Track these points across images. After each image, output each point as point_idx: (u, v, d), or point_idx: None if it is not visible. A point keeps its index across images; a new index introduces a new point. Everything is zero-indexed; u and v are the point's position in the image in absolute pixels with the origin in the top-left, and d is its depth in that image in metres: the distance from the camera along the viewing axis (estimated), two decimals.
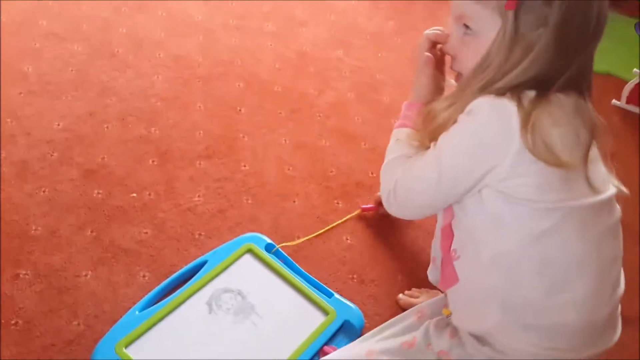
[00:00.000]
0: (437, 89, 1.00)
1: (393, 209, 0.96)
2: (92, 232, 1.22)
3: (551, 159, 0.75)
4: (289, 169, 1.47)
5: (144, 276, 1.16)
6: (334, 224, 1.34)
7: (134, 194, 1.31)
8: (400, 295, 1.22)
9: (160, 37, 1.80)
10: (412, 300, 1.19)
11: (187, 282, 1.13)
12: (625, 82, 1.94)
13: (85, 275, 1.14)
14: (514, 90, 0.78)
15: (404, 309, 1.13)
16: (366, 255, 1.30)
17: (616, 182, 0.85)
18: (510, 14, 0.77)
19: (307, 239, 1.29)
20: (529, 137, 0.75)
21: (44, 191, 1.28)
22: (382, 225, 1.36)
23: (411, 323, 1.00)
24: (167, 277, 1.15)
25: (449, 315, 0.95)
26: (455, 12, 0.84)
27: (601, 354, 0.84)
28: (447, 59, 0.96)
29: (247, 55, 1.80)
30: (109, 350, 1.00)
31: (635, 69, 1.87)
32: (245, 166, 1.44)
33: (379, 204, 1.24)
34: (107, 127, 1.46)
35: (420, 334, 0.94)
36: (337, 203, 1.42)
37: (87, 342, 1.04)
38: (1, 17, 1.74)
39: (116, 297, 1.12)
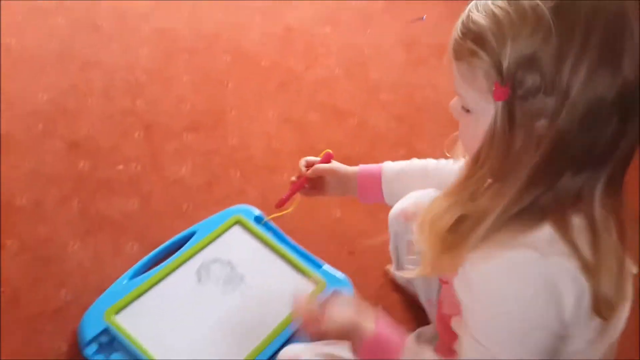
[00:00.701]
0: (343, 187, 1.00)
1: None
2: (78, 203, 1.21)
3: (611, 314, 0.64)
4: (276, 143, 1.46)
5: (131, 247, 1.15)
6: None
7: (120, 166, 1.30)
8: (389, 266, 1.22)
9: (145, 10, 1.78)
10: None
11: (176, 253, 1.13)
12: None
13: (72, 246, 1.13)
14: (555, 217, 0.62)
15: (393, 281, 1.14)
16: (356, 228, 1.30)
17: None
18: (501, 104, 0.60)
19: (295, 208, 1.26)
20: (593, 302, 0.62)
21: (28, 163, 1.26)
22: None
23: None
24: (155, 249, 1.14)
25: None
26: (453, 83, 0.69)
27: None
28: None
29: (234, 30, 1.78)
30: (98, 318, 0.99)
31: None
32: (232, 140, 1.43)
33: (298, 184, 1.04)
34: (92, 100, 1.45)
35: None
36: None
37: (74, 310, 1.04)
38: None
39: (103, 267, 1.11)
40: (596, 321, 0.64)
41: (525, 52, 0.57)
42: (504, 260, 0.62)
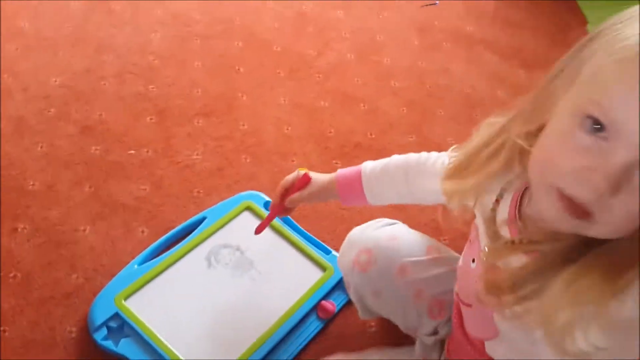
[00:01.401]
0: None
1: None
2: (90, 187, 1.22)
3: None
4: (287, 129, 1.46)
5: (142, 231, 1.16)
6: None
7: (132, 151, 1.30)
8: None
9: None
10: None
11: (186, 238, 1.14)
12: None
13: (84, 230, 1.14)
14: None
15: None
16: (365, 214, 1.30)
17: None
18: None
19: None
20: None
21: (41, 147, 1.27)
22: None
23: None
24: (166, 233, 1.15)
25: None
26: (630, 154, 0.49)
27: None
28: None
29: (247, 15, 1.77)
30: (108, 302, 1.01)
31: None
32: (243, 125, 1.43)
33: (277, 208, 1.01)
34: (105, 84, 1.45)
35: None
36: (336, 163, 1.41)
37: (85, 294, 1.05)
38: None
39: (115, 251, 1.12)
40: None
41: None
42: None
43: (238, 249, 1.14)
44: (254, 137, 1.41)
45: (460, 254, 0.86)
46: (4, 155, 1.24)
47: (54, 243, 1.11)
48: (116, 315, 1.00)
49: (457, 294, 0.84)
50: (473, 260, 0.76)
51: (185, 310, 1.04)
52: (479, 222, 0.74)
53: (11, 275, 1.05)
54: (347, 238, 0.99)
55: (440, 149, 1.50)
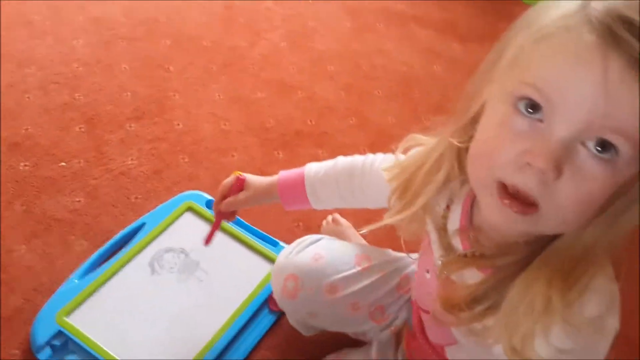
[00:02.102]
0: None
1: None
2: (21, 205, 1.17)
3: None
4: (225, 124, 1.44)
5: (80, 245, 1.12)
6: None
7: (63, 163, 1.26)
8: (324, 224, 1.22)
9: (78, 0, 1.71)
10: (336, 228, 1.19)
11: (126, 246, 1.10)
12: None
13: (19, 250, 1.10)
14: None
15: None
16: None
17: None
18: None
19: None
20: None
21: None
22: None
23: None
24: (105, 244, 1.11)
25: None
26: (600, 116, 0.47)
27: None
28: None
29: (172, 12, 1.73)
30: (49, 321, 0.97)
31: None
32: (178, 125, 1.40)
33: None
34: (29, 97, 1.39)
35: None
36: (278, 154, 1.40)
37: (27, 315, 1.00)
38: None
39: (54, 268, 1.08)
40: None
41: None
42: None
43: (182, 251, 1.12)
44: (190, 136, 1.38)
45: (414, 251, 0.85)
46: None
47: None
48: (59, 333, 0.96)
49: (415, 301, 0.83)
50: (427, 271, 0.75)
51: (131, 320, 1.00)
52: (431, 229, 0.73)
53: None
54: (274, 265, 0.96)
55: (380, 129, 1.52)
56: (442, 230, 0.70)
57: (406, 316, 0.93)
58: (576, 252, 0.54)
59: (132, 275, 1.06)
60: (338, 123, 1.52)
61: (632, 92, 0.45)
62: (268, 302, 1.07)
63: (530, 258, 0.57)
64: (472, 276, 0.63)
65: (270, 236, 1.18)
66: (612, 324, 0.56)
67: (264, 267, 1.12)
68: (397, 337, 0.94)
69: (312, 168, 0.90)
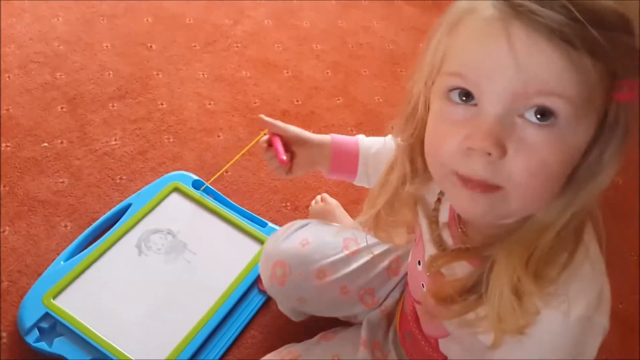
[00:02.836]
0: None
1: None
2: (4, 187, 1.14)
3: None
4: (209, 104, 1.42)
5: (65, 226, 1.11)
6: (247, 148, 1.09)
7: (45, 144, 1.23)
8: (313, 203, 1.21)
9: None
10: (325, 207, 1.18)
11: (112, 228, 1.09)
12: None
13: (3, 232, 1.08)
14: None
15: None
16: (298, 182, 1.28)
17: None
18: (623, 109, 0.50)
19: (227, 167, 1.21)
20: None
21: None
22: None
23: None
24: (90, 225, 1.10)
25: None
26: (521, 83, 0.48)
27: None
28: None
29: None
30: (36, 303, 0.96)
31: None
32: (162, 104, 1.38)
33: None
34: (9, 77, 1.36)
35: None
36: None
37: (12, 298, 0.99)
38: None
39: (38, 250, 1.07)
40: None
41: None
42: None
43: (169, 232, 1.10)
44: (175, 115, 1.36)
45: None
46: None
47: None
48: (47, 315, 0.95)
49: (409, 292, 0.83)
50: (419, 262, 0.75)
51: (119, 301, 1.00)
52: (422, 221, 0.72)
53: None
54: (262, 252, 0.95)
55: (367, 108, 1.51)
56: (434, 223, 0.70)
57: (399, 298, 0.93)
58: (540, 230, 0.54)
59: (119, 257, 1.05)
60: (325, 102, 1.50)
61: (543, 54, 0.46)
62: (257, 282, 1.06)
63: None
64: (461, 268, 0.63)
65: (258, 217, 1.17)
66: (602, 322, 0.56)
67: (252, 248, 1.11)
68: (388, 317, 0.94)
69: (365, 141, 0.87)
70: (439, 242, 0.68)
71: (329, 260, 0.89)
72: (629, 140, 0.51)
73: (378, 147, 0.86)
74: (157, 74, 1.44)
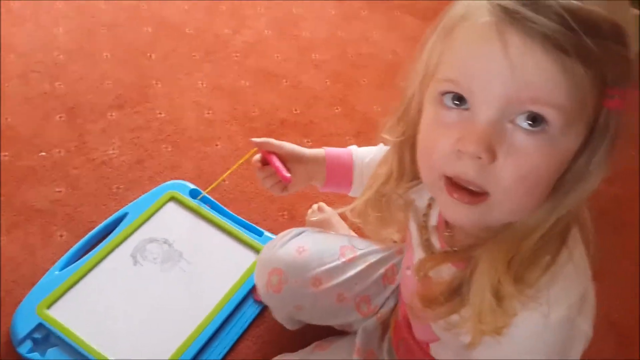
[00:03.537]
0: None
1: None
2: (2, 196, 1.15)
3: None
4: (208, 113, 1.42)
5: (61, 235, 1.11)
6: (236, 164, 1.05)
7: (43, 153, 1.23)
8: (309, 212, 1.21)
9: None
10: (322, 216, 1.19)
11: (108, 237, 1.09)
12: None
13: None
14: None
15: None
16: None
17: None
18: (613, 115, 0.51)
19: (220, 181, 1.21)
20: None
21: None
22: None
23: None
24: (86, 235, 1.10)
25: None
26: (514, 89, 0.48)
27: None
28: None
29: None
30: (30, 313, 0.95)
31: None
32: (161, 114, 1.38)
33: None
34: (8, 86, 1.36)
35: None
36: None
37: (7, 308, 0.99)
38: None
39: (34, 259, 1.07)
40: None
41: None
42: None
43: (165, 241, 1.10)
44: (173, 124, 1.36)
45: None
46: None
47: None
48: (40, 326, 0.94)
49: (401, 296, 0.83)
50: (408, 268, 0.75)
51: (114, 312, 0.99)
52: (412, 226, 0.73)
53: None
54: (258, 260, 0.95)
55: (366, 118, 1.51)
56: (423, 228, 0.70)
57: (394, 305, 0.93)
58: (524, 233, 0.54)
59: (114, 267, 1.05)
60: (324, 112, 1.50)
61: (537, 62, 0.46)
62: (252, 292, 1.06)
63: None
64: (448, 271, 0.63)
65: (255, 226, 1.17)
66: (584, 327, 0.56)
67: (248, 257, 1.11)
68: (384, 325, 0.93)
69: (358, 152, 0.87)
70: (428, 246, 0.68)
71: (325, 267, 0.89)
72: (616, 147, 0.51)
73: (372, 157, 0.86)
74: (157, 84, 1.45)
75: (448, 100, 0.52)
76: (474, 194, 0.52)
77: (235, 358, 1.00)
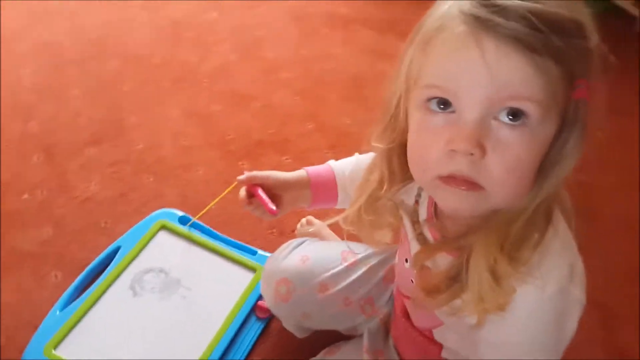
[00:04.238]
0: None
1: None
2: None
3: None
4: (185, 140, 1.43)
5: (55, 276, 1.10)
6: (219, 197, 1.02)
7: (26, 195, 1.23)
8: (299, 227, 1.24)
9: (20, 26, 1.67)
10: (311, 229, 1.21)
11: (104, 272, 1.09)
12: None
13: None
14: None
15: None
16: None
17: None
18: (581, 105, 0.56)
19: (211, 206, 1.22)
20: None
21: None
22: None
23: None
24: (81, 272, 1.09)
25: None
26: (494, 90, 0.52)
27: None
28: None
29: (118, 31, 1.71)
30: (37, 356, 0.95)
31: None
32: (138, 145, 1.39)
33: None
34: None
35: None
36: (242, 164, 1.40)
37: (11, 354, 0.98)
38: None
39: (32, 303, 1.06)
40: None
41: None
42: None
43: (162, 270, 1.11)
44: (152, 155, 1.37)
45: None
46: None
47: None
48: None
49: (398, 289, 0.86)
50: (406, 260, 0.78)
51: (120, 344, 0.99)
52: (406, 222, 0.76)
53: None
54: (263, 272, 0.97)
55: (338, 131, 1.55)
56: (416, 222, 0.74)
57: (391, 304, 0.96)
58: (513, 216, 0.59)
59: (114, 300, 1.05)
60: (297, 129, 1.54)
61: (512, 63, 0.51)
62: (254, 310, 1.07)
63: None
64: (443, 261, 0.67)
65: (247, 245, 1.18)
66: (577, 295, 0.60)
67: (245, 277, 1.12)
68: (386, 325, 0.97)
69: (338, 166, 0.90)
70: (422, 240, 0.72)
71: (330, 273, 0.92)
72: (587, 132, 0.57)
73: (351, 168, 0.89)
74: (130, 116, 1.45)
75: (434, 105, 0.56)
76: (470, 182, 0.56)
77: None
